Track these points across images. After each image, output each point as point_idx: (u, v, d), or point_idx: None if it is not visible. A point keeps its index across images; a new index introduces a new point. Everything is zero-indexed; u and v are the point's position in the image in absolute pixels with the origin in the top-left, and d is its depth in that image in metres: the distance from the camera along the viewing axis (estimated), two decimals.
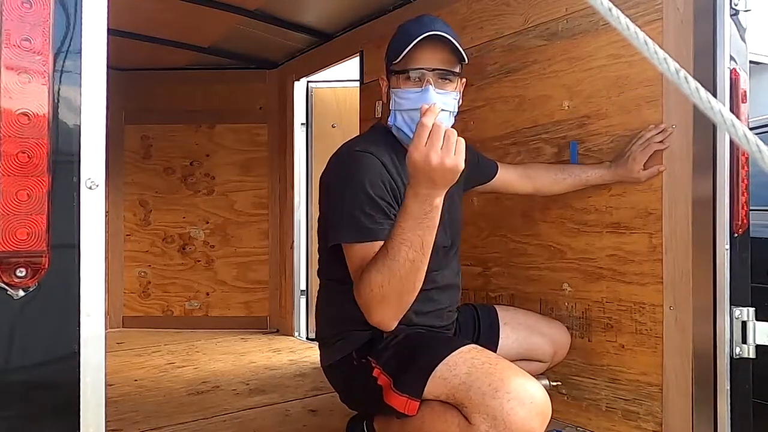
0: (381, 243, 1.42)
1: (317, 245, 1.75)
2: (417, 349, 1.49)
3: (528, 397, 1.31)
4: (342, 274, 1.60)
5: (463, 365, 1.40)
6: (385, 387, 1.50)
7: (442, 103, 1.49)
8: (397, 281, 1.34)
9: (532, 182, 1.98)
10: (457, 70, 1.55)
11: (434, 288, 1.62)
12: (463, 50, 1.52)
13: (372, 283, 1.35)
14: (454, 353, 1.43)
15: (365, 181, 1.48)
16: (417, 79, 1.52)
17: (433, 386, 1.42)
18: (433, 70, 1.51)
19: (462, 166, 1.24)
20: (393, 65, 1.55)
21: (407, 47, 1.49)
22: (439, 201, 1.30)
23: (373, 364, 1.54)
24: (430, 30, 1.50)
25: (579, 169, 1.92)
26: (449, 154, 1.22)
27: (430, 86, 1.51)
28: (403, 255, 1.32)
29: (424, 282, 1.40)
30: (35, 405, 0.95)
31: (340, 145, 1.67)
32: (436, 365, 1.42)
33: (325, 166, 1.64)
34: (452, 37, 1.50)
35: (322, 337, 1.72)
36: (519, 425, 1.29)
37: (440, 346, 1.47)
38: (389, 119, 1.58)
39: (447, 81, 1.53)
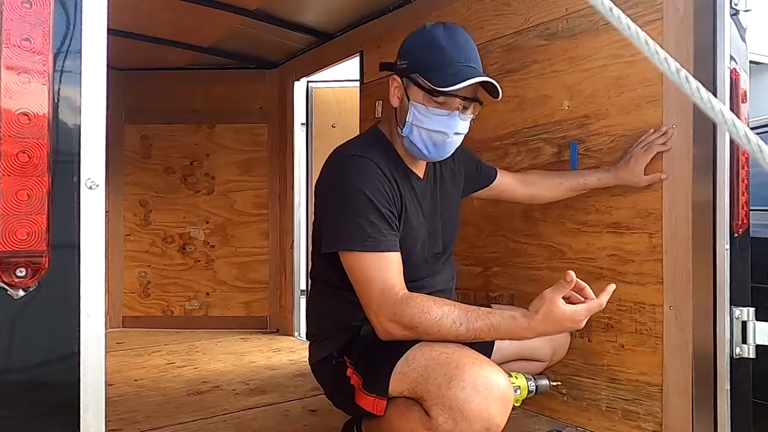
0: (389, 254, 1.44)
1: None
2: (380, 347, 1.49)
3: (483, 383, 1.30)
4: (333, 278, 1.61)
5: (421, 358, 1.40)
6: (356, 387, 1.50)
7: (463, 127, 1.53)
8: (437, 337, 1.40)
9: (531, 189, 1.96)
10: (480, 97, 1.55)
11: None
12: (500, 88, 1.51)
13: (421, 325, 1.38)
14: (414, 347, 1.43)
15: (365, 188, 1.47)
16: (444, 102, 1.49)
17: (396, 382, 1.42)
18: (465, 99, 1.50)
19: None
20: (421, 80, 1.49)
21: (454, 82, 1.44)
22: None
23: (348, 364, 1.55)
24: (469, 63, 1.49)
25: (577, 174, 1.91)
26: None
27: (457, 112, 1.51)
28: (462, 335, 1.38)
29: (412, 290, 1.45)
30: (35, 405, 0.95)
31: (336, 148, 1.65)
32: (397, 361, 1.42)
33: (320, 171, 1.62)
34: (494, 81, 1.49)
35: (312, 334, 1.74)
36: (476, 413, 1.28)
37: (402, 341, 1.45)
38: (404, 130, 1.54)
39: (470, 108, 1.54)
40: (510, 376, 1.62)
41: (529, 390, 1.68)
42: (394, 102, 1.57)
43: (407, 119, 1.53)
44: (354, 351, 1.56)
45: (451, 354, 1.37)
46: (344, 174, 1.52)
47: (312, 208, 3.95)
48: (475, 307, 1.42)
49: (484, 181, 1.93)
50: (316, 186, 1.63)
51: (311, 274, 1.77)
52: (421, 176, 1.68)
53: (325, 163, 1.61)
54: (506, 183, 1.96)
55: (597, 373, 1.93)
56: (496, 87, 1.49)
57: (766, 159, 0.55)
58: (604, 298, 1.36)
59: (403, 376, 1.40)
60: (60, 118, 0.95)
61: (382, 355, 1.47)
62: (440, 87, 1.46)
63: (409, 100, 1.52)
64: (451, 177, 1.79)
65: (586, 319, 1.36)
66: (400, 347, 1.44)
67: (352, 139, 1.70)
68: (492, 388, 1.30)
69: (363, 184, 1.47)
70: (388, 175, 1.53)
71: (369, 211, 1.46)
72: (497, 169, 1.95)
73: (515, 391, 1.59)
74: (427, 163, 1.69)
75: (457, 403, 1.29)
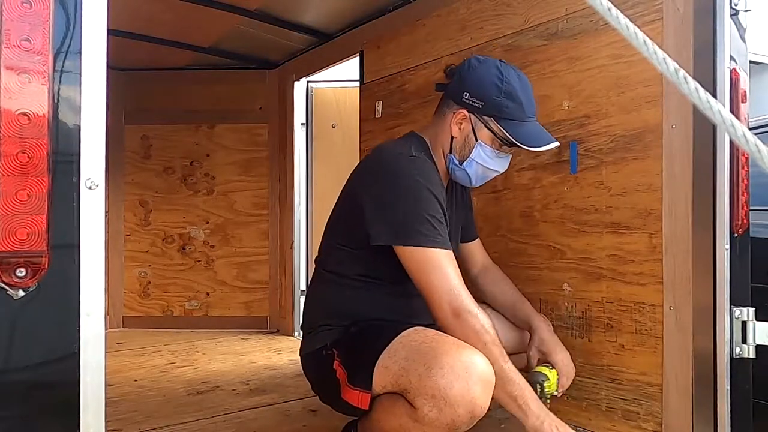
0: (450, 252, 1.49)
1: (321, 237, 1.75)
2: (365, 340, 1.50)
3: (462, 367, 1.32)
4: (348, 269, 1.61)
5: (402, 350, 1.41)
6: (342, 381, 1.51)
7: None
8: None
9: (485, 279, 1.92)
10: None
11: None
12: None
13: (476, 343, 1.41)
14: (395, 339, 1.44)
15: (433, 188, 1.52)
16: (506, 146, 1.63)
17: (379, 376, 1.43)
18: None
19: None
20: (497, 126, 1.59)
21: (538, 145, 1.60)
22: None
23: (335, 356, 1.56)
24: (536, 116, 1.65)
25: (521, 309, 1.84)
26: None
27: (512, 155, 1.69)
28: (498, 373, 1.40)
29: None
30: (35, 405, 0.95)
31: (381, 145, 1.70)
32: (380, 353, 1.43)
33: (366, 164, 1.65)
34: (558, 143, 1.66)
35: (308, 324, 1.72)
36: (459, 398, 1.30)
37: (384, 334, 1.47)
38: (463, 164, 1.64)
39: None
40: (541, 366, 1.66)
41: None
42: (455, 132, 1.64)
43: (471, 155, 1.63)
44: (342, 344, 1.57)
45: (430, 342, 1.39)
46: (410, 171, 1.54)
47: (312, 208, 3.98)
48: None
49: (463, 235, 1.91)
50: (359, 179, 1.63)
51: (319, 263, 1.74)
52: (445, 190, 1.71)
53: (372, 159, 1.64)
54: (472, 254, 1.94)
55: (597, 373, 1.93)
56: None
57: (764, 159, 0.55)
58: None
59: (385, 369, 1.42)
60: (60, 119, 0.95)
61: (366, 347, 1.48)
62: (524, 145, 1.59)
63: (476, 138, 1.61)
64: (461, 200, 1.85)
65: None
66: (383, 339, 1.46)
67: (401, 141, 1.71)
68: (472, 371, 1.32)
69: (430, 185, 1.53)
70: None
71: (436, 210, 1.51)
72: (477, 239, 1.96)
73: (541, 382, 1.61)
74: (450, 180, 1.75)
75: (439, 391, 1.31)
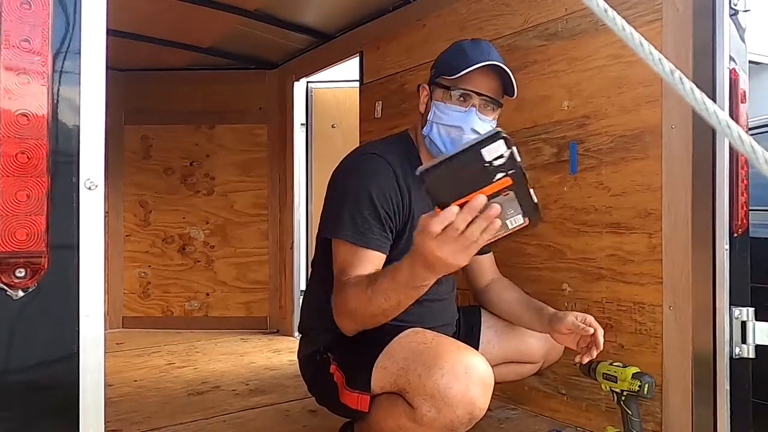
0: (370, 251, 1.46)
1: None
2: (362, 342, 1.50)
3: (461, 368, 1.31)
4: (329, 273, 1.61)
5: (401, 350, 1.41)
6: (339, 385, 1.51)
7: (481, 126, 1.53)
8: (366, 317, 1.39)
9: (493, 287, 1.86)
10: (502, 100, 1.59)
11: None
12: (516, 85, 1.56)
13: (346, 303, 1.42)
14: (393, 340, 1.44)
15: (372, 185, 1.51)
16: (462, 99, 1.54)
17: (378, 377, 1.43)
18: (482, 95, 1.54)
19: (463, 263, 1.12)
20: (442, 79, 1.56)
21: (466, 68, 1.50)
22: (429, 283, 1.24)
23: (331, 360, 1.56)
24: (488, 59, 1.53)
25: (530, 309, 1.77)
26: (459, 253, 1.09)
27: (474, 109, 1.53)
28: (377, 303, 1.34)
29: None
30: (34, 406, 0.95)
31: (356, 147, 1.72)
32: (378, 355, 1.43)
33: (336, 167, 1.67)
34: (508, 70, 1.54)
35: (304, 328, 1.75)
36: (458, 398, 1.29)
37: (382, 335, 1.46)
38: (424, 129, 1.60)
39: (490, 109, 1.57)
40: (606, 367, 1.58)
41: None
42: (422, 108, 1.64)
43: (428, 117, 1.59)
44: (337, 348, 1.57)
45: (429, 343, 1.39)
46: (356, 169, 1.57)
47: (312, 208, 3.98)
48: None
49: None
50: (330, 177, 1.66)
51: (313, 264, 1.77)
52: None
53: (344, 158, 1.66)
54: (483, 268, 1.88)
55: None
56: (512, 86, 1.55)
57: (760, 160, 0.55)
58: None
59: (384, 370, 1.42)
60: (59, 119, 0.95)
61: (362, 350, 1.48)
62: (453, 76, 1.51)
63: (432, 101, 1.60)
64: None
65: (438, 225, 1.07)
66: (380, 341, 1.45)
67: (375, 141, 1.77)
68: (471, 372, 1.31)
69: (369, 182, 1.51)
70: (401, 182, 1.56)
71: (366, 206, 1.49)
72: (491, 251, 1.90)
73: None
74: None
75: (438, 391, 1.30)
